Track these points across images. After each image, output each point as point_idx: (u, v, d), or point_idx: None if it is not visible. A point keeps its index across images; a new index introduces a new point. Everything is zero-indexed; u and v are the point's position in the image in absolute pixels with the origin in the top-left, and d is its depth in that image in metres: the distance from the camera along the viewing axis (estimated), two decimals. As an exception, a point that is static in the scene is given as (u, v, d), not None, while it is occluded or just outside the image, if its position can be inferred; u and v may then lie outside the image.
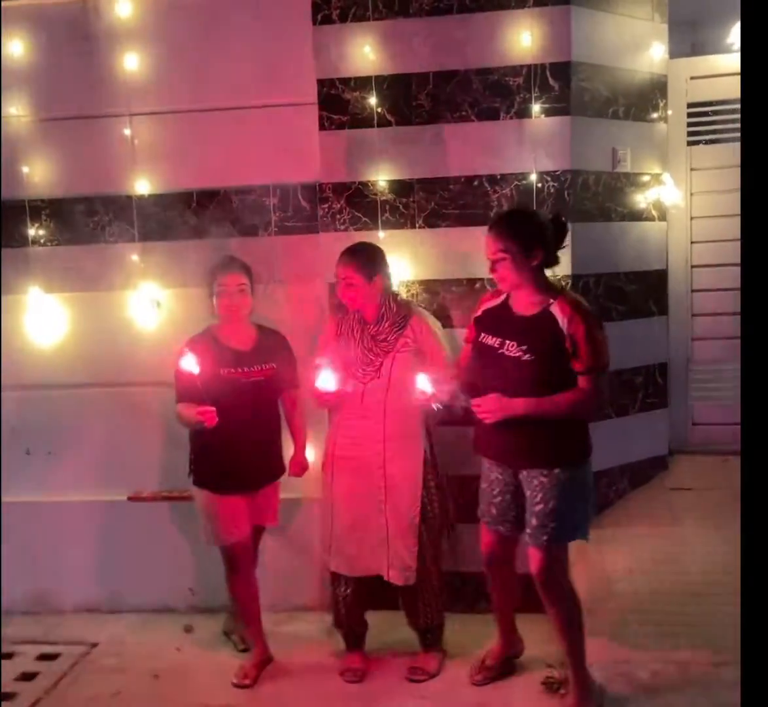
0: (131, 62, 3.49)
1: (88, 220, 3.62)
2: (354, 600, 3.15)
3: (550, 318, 2.63)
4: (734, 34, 3.52)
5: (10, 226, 3.63)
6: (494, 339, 2.74)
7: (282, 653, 3.30)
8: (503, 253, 2.64)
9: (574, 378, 2.63)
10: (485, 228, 2.73)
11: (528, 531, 2.72)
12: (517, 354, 2.65)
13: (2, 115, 3.55)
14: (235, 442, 3.05)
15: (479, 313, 2.86)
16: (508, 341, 2.69)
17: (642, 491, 3.75)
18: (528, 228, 2.69)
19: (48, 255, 3.64)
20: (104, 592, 3.78)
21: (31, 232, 3.63)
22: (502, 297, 2.80)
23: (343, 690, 3.09)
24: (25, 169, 3.57)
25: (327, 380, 2.96)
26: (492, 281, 2.95)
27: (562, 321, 2.60)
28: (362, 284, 3.01)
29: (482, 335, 2.79)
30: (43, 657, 3.44)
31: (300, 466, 3.30)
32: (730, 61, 3.78)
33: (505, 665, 3.06)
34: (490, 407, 2.66)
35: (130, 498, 3.73)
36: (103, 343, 3.64)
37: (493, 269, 2.70)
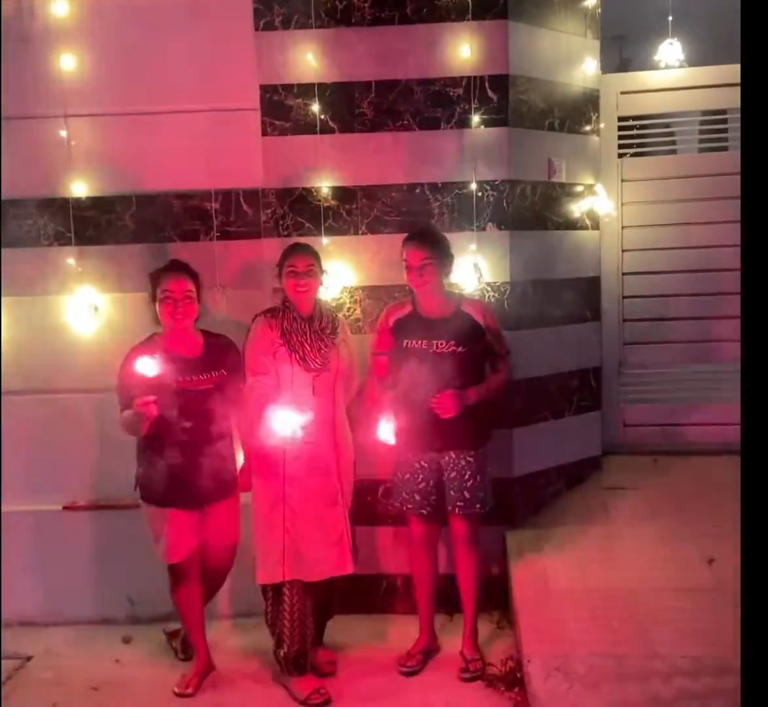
0: (68, 63, 3.43)
1: (22, 222, 3.54)
2: (302, 608, 3.06)
3: (466, 317, 3.07)
4: (661, 52, 3.67)
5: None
6: (420, 342, 3.04)
7: (225, 661, 3.28)
8: (428, 259, 2.99)
9: (483, 363, 3.11)
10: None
11: (459, 504, 3.08)
12: (451, 349, 3.02)
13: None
14: (184, 455, 2.94)
15: (392, 324, 3.12)
16: (435, 341, 3.01)
17: (578, 490, 3.88)
18: (443, 241, 3.08)
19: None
20: (39, 604, 3.69)
21: (-38, 234, 3.52)
22: (409, 308, 3.12)
23: (287, 699, 3.07)
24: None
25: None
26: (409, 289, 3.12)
27: (478, 318, 3.07)
28: (318, 277, 3.09)
29: (406, 341, 3.06)
30: (-25, 673, 3.33)
31: (251, 479, 3.08)
32: (658, 77, 3.96)
33: (429, 655, 3.25)
34: (450, 403, 2.94)
35: (65, 508, 3.65)
36: (39, 349, 3.57)
37: (418, 274, 2.99)
